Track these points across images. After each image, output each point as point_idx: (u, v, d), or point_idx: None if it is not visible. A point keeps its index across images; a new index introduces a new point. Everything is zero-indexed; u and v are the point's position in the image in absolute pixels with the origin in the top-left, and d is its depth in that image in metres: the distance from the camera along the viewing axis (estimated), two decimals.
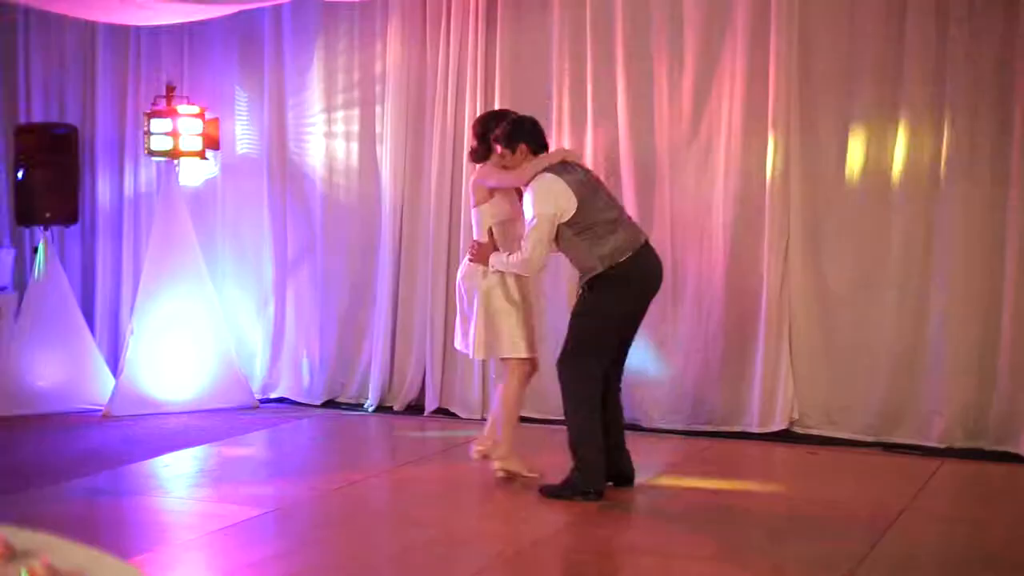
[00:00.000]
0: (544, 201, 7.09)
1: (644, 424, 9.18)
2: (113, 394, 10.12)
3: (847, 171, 8.87)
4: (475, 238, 7.56)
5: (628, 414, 9.07)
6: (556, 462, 7.40)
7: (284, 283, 10.80)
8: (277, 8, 10.53)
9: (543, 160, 7.28)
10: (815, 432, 8.97)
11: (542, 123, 9.32)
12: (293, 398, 10.71)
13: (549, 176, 7.16)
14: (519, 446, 7.60)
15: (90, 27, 11.13)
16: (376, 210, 10.35)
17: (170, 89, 10.40)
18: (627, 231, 7.25)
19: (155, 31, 10.95)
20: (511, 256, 7.23)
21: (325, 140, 10.61)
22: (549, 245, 7.16)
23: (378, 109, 10.38)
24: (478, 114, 9.52)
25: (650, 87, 9.30)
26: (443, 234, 10.04)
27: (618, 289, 7.14)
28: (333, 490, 7.57)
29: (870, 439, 8.76)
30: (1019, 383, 8.38)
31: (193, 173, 10.82)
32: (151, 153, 10.36)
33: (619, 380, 7.54)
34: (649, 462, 7.94)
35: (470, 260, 7.47)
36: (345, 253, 10.56)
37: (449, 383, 10.08)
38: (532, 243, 7.10)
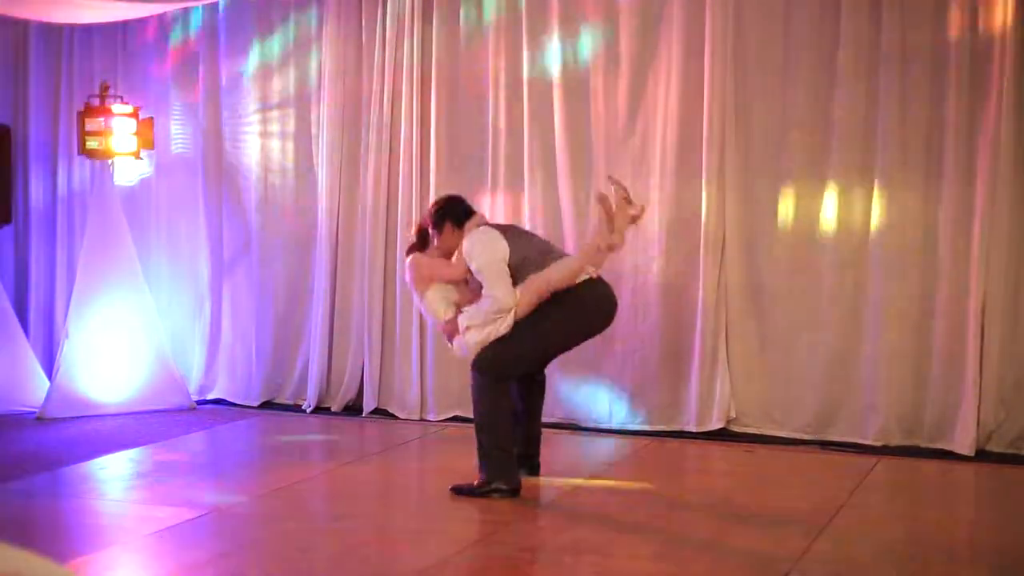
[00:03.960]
0: (484, 250, 7.19)
1: (582, 423, 9.19)
2: (48, 396, 10.01)
3: (783, 168, 8.93)
4: (434, 325, 7.74)
5: (566, 413, 9.16)
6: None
7: (220, 283, 10.73)
8: (212, 6, 10.47)
9: (451, 266, 7.40)
10: (753, 431, 9.02)
11: (478, 123, 9.39)
12: (230, 399, 10.64)
13: (476, 231, 7.31)
14: None
15: (22, 25, 11.01)
16: (312, 210, 10.31)
17: (104, 88, 10.30)
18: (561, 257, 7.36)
19: (88, 30, 10.85)
20: (479, 307, 7.20)
21: (260, 140, 10.55)
22: (509, 280, 7.16)
23: (314, 108, 10.34)
24: (414, 112, 9.59)
25: (587, 89, 9.32)
26: (380, 233, 10.00)
27: (566, 309, 7.19)
28: (270, 492, 7.54)
29: (807, 437, 8.83)
30: (952, 382, 8.47)
31: (127, 173, 10.72)
32: (85, 153, 10.24)
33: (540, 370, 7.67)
34: (587, 461, 7.96)
35: (447, 339, 7.54)
36: (281, 253, 10.51)
37: (387, 383, 10.05)
38: (492, 284, 7.12)
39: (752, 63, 8.98)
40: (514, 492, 7.14)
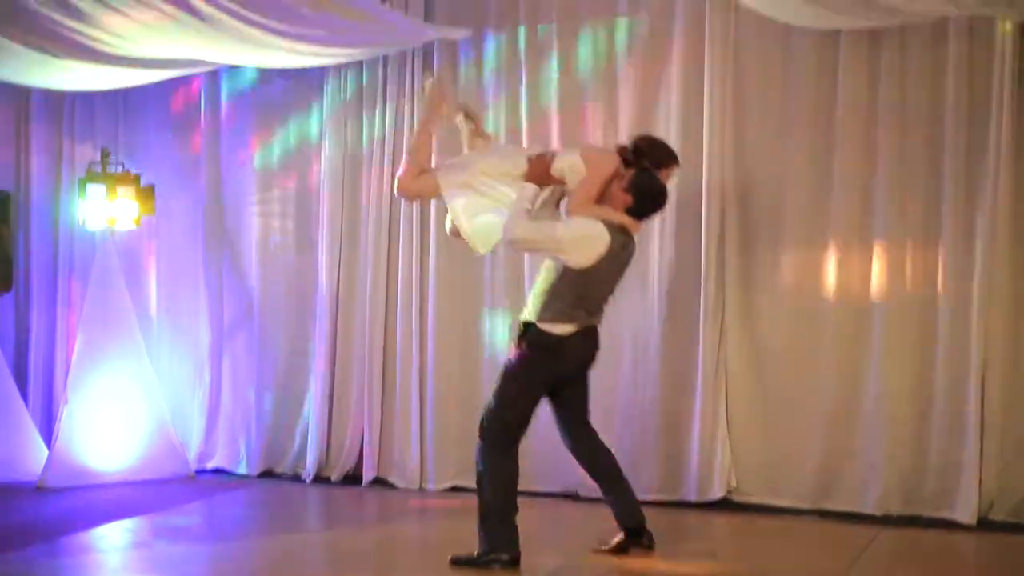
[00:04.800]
0: (575, 235, 6.97)
1: (581, 493, 9.13)
2: (47, 465, 9.97)
3: (782, 232, 8.95)
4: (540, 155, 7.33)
5: (564, 483, 9.10)
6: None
7: (220, 351, 10.73)
8: (213, 74, 10.52)
9: (609, 214, 7.04)
10: (754, 500, 8.97)
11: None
12: (230, 468, 10.62)
13: (603, 230, 6.97)
14: None
15: (24, 92, 11.05)
16: (312, 277, 10.32)
17: (105, 154, 10.33)
18: (589, 319, 7.14)
19: (90, 96, 10.89)
20: (519, 210, 7.02)
21: (261, 207, 10.57)
22: (531, 247, 7.28)
23: (314, 176, 10.38)
24: None
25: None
26: (380, 300, 10.02)
27: (544, 355, 7.06)
28: (268, 563, 7.51)
29: (808, 506, 8.78)
30: (953, 449, 8.41)
31: (128, 240, 10.74)
32: (86, 220, 10.27)
33: (585, 414, 7.50)
34: (587, 533, 7.90)
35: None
36: (281, 321, 10.51)
37: (387, 453, 10.01)
38: (527, 227, 6.99)
39: (750, 127, 8.99)
40: (514, 562, 7.03)
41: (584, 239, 6.94)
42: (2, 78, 9.78)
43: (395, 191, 7.79)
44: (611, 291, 7.25)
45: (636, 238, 7.27)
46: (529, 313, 7.08)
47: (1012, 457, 8.39)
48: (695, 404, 9.01)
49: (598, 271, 6.99)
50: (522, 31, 9.64)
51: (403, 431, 9.89)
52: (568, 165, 7.16)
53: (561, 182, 7.21)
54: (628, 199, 7.06)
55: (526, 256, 9.41)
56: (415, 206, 9.80)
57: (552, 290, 6.99)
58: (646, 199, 7.14)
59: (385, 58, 9.98)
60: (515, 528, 7.12)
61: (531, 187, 7.11)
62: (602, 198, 7.10)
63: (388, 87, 10.03)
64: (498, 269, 9.67)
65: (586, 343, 7.19)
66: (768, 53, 8.96)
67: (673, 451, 9.10)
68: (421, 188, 7.50)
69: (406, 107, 9.94)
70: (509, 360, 7.18)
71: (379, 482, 9.97)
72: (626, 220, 7.06)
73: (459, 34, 9.43)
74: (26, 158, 11.37)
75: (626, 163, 7.21)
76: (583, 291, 7.01)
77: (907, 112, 8.58)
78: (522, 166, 7.24)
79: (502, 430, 7.12)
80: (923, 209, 8.57)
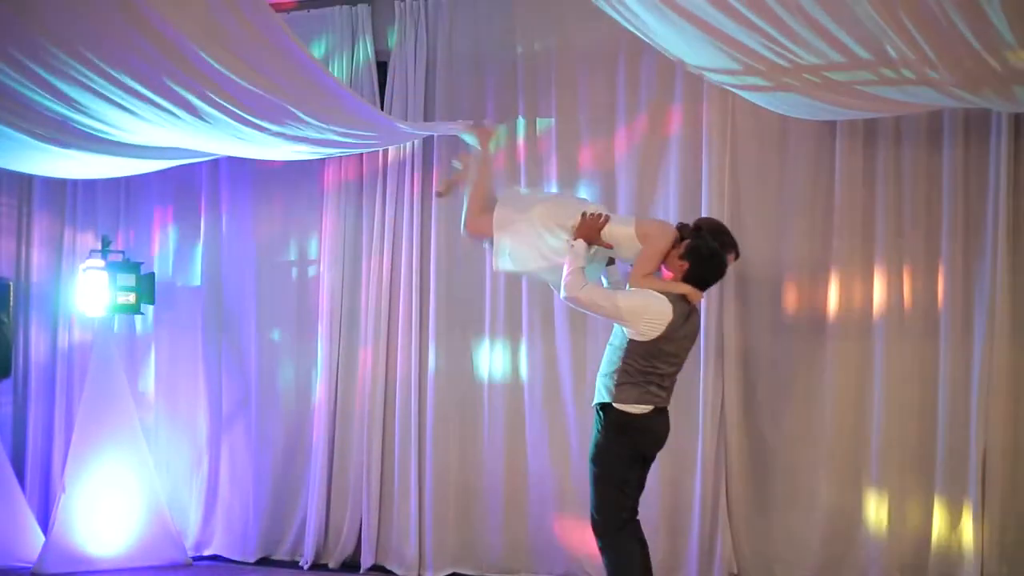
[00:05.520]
0: (635, 306, 6.94)
1: None
2: (43, 551, 9.91)
3: (782, 324, 8.96)
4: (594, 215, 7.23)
5: (566, 567, 9.05)
6: None
7: (219, 437, 10.71)
8: (213, 162, 10.58)
9: (670, 286, 7.02)
10: None
11: (476, 277, 9.40)
12: (227, 555, 10.55)
13: (664, 300, 6.93)
14: None
15: (26, 179, 11.12)
16: (311, 364, 10.33)
17: (105, 243, 10.38)
18: (658, 390, 7.05)
19: (91, 183, 10.96)
20: (576, 268, 7.01)
21: (260, 293, 10.60)
22: (589, 309, 7.06)
23: (313, 263, 10.43)
24: (413, 270, 9.63)
25: None
26: (379, 387, 10.01)
27: (614, 433, 7.01)
28: None
29: None
30: (954, 536, 8.39)
31: (127, 326, 10.74)
32: (85, 308, 10.29)
33: (637, 503, 7.33)
34: None
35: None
36: (280, 407, 10.50)
37: (385, 539, 9.96)
38: (591, 289, 6.99)
39: (748, 211, 9.04)
40: None
41: (645, 309, 6.89)
42: (4, 166, 9.86)
43: (462, 231, 7.79)
44: (679, 365, 7.18)
45: (699, 308, 7.27)
46: (602, 395, 7.03)
47: (1012, 546, 8.34)
48: (695, 490, 8.99)
49: (664, 343, 6.94)
50: (521, 123, 9.72)
51: (401, 518, 9.84)
52: (622, 235, 7.18)
53: (608, 246, 7.23)
54: (685, 265, 7.05)
55: (523, 348, 9.46)
56: (415, 294, 9.89)
57: (621, 368, 6.95)
58: (704, 265, 7.11)
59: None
60: None
61: (582, 244, 7.09)
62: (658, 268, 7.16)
63: (388, 174, 10.08)
64: (497, 353, 9.68)
65: (660, 422, 7.14)
66: (765, 145, 9.03)
67: (673, 536, 9.05)
68: (481, 228, 7.54)
69: (405, 193, 10.00)
70: (595, 449, 7.10)
71: (377, 568, 9.90)
72: (685, 288, 7.03)
73: (458, 128, 9.50)
74: (27, 246, 11.43)
75: (682, 237, 7.22)
76: (650, 366, 6.95)
77: (903, 202, 8.66)
78: (576, 219, 7.25)
79: (608, 519, 7.04)
80: (922, 297, 8.60)
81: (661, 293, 6.96)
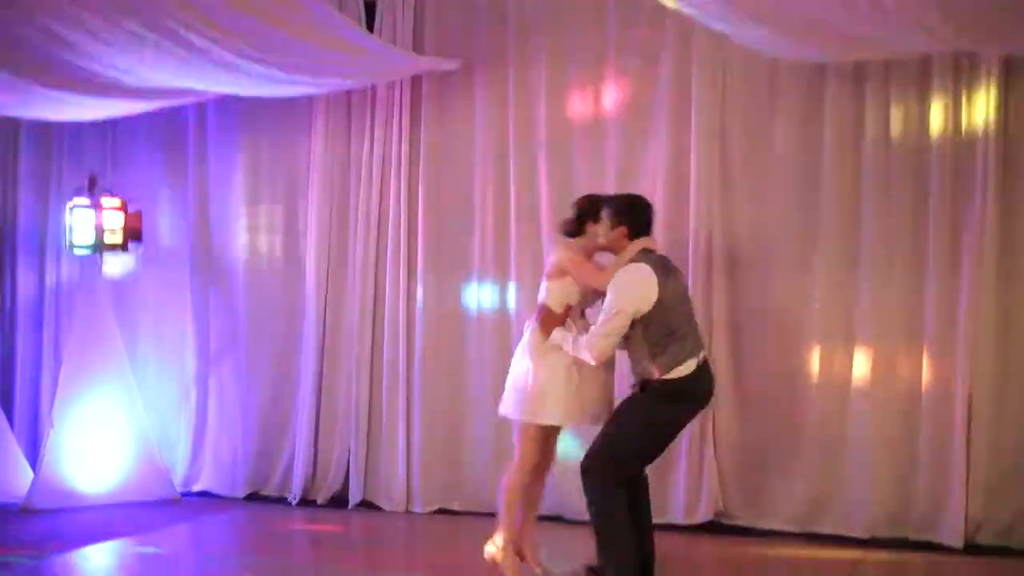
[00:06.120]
0: (627, 296, 6.78)
1: (567, 515, 9.10)
2: (32, 487, 9.94)
3: (770, 257, 8.98)
4: (543, 302, 7.15)
5: (553, 505, 9.06)
6: None
7: (206, 375, 10.72)
8: (201, 101, 10.52)
9: (623, 259, 6.94)
10: (741, 523, 8.96)
11: (464, 216, 9.38)
12: (215, 491, 10.59)
13: (640, 267, 6.84)
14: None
15: (13, 121, 11.06)
16: (299, 301, 10.33)
17: (92, 181, 10.33)
18: (691, 341, 6.95)
19: (78, 125, 10.91)
20: (577, 341, 6.92)
21: (248, 232, 10.59)
22: (618, 339, 6.85)
23: (302, 201, 10.40)
24: (401, 207, 9.62)
25: (569, 184, 9.32)
26: (367, 324, 10.03)
27: (669, 403, 6.89)
28: None
29: (795, 529, 8.78)
30: (939, 473, 8.44)
31: (115, 265, 10.74)
32: (73, 246, 10.27)
33: (646, 479, 7.26)
34: (573, 555, 7.87)
35: (536, 323, 7.11)
36: (268, 344, 10.51)
37: (373, 475, 10.00)
38: (602, 334, 6.81)
39: (737, 160, 9.05)
40: None
41: (629, 287, 6.81)
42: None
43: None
44: (689, 311, 7.09)
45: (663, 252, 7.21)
46: (642, 376, 6.92)
47: (998, 481, 8.39)
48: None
49: (663, 300, 6.83)
50: (511, 72, 9.68)
51: (390, 455, 9.87)
52: (559, 291, 7.11)
53: (569, 306, 7.14)
54: (623, 228, 7.01)
55: (512, 283, 9.48)
56: (403, 222, 9.93)
57: (647, 348, 6.83)
58: (633, 213, 7.08)
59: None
60: (636, 571, 6.96)
61: (556, 334, 6.99)
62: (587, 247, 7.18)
63: (376, 112, 10.06)
64: (486, 292, 9.70)
65: (705, 379, 7.06)
66: (754, 75, 9.03)
67: (660, 473, 9.02)
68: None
69: (394, 131, 9.97)
70: (636, 411, 6.97)
71: (365, 504, 9.95)
72: (636, 246, 6.97)
73: (448, 65, 9.46)
74: (14, 185, 11.38)
75: (571, 234, 7.23)
76: (664, 326, 6.84)
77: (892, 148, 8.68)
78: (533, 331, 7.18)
79: (614, 474, 6.88)
80: (910, 240, 8.62)
81: (624, 268, 6.89)
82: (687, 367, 6.82)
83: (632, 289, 6.79)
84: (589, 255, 7.22)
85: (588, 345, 6.85)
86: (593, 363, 6.92)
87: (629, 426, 6.89)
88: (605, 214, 7.07)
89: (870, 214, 8.68)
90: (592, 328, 6.92)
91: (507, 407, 7.16)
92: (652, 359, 6.80)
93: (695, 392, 6.97)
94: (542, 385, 6.99)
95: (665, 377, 6.79)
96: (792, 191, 8.92)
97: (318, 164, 10.27)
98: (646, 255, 6.92)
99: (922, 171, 8.56)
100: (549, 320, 7.03)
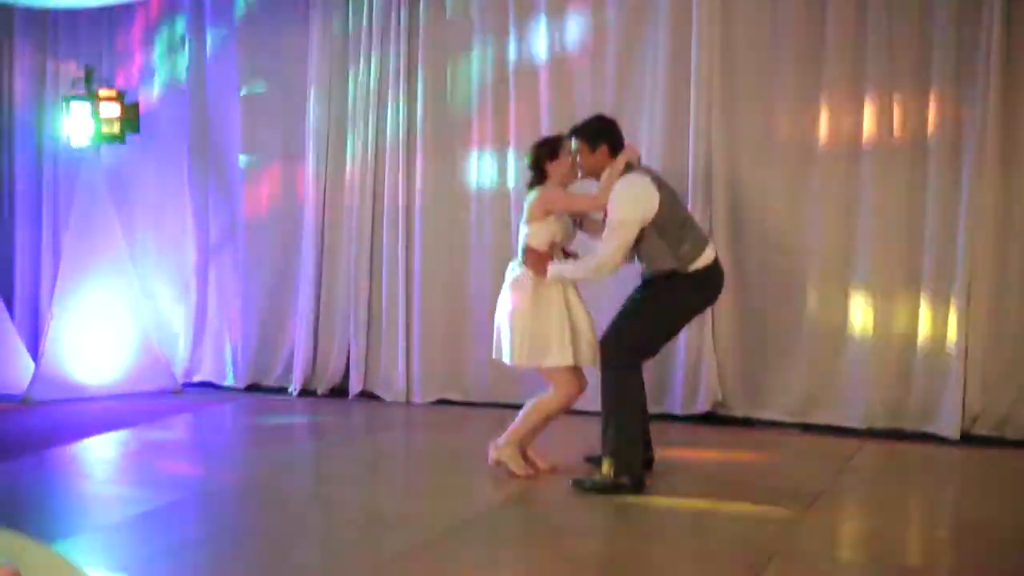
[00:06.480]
0: (632, 205, 6.85)
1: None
2: (33, 378, 10.01)
3: (770, 154, 8.93)
4: (529, 245, 7.14)
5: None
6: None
7: (206, 267, 10.74)
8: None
9: (614, 175, 6.97)
10: (738, 414, 9.02)
11: (464, 137, 9.30)
12: (216, 382, 10.68)
13: (634, 176, 6.94)
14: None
15: (6, 10, 10.97)
16: (299, 193, 10.32)
17: (89, 72, 10.26)
18: (698, 232, 7.12)
19: (74, 14, 10.82)
20: (578, 263, 7.06)
21: (248, 124, 10.55)
22: (627, 250, 6.94)
23: (300, 90, 10.34)
24: (400, 103, 9.55)
25: (571, 97, 9.32)
26: (367, 215, 10.04)
27: (696, 291, 7.10)
28: (255, 474, 7.55)
29: (793, 420, 8.84)
30: (937, 366, 8.47)
31: (113, 157, 10.69)
32: (70, 137, 10.21)
33: None
34: (574, 444, 7.92)
35: (526, 267, 7.11)
36: (268, 236, 10.52)
37: (373, 366, 10.06)
38: (613, 248, 6.86)
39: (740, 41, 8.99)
40: (638, 487, 6.93)
41: (631, 196, 6.88)
42: None
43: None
44: (686, 208, 7.32)
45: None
46: (663, 268, 6.99)
47: (995, 374, 8.42)
48: None
49: (664, 200, 6.91)
50: None
51: (389, 345, 9.92)
52: (543, 231, 7.09)
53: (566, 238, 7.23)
54: (604, 149, 7.06)
55: (511, 177, 9.46)
56: (402, 117, 9.88)
57: (664, 247, 6.91)
58: (608, 133, 7.12)
59: None
60: (640, 452, 7.10)
61: (553, 268, 7.01)
62: (585, 175, 7.19)
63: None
64: (485, 183, 9.69)
65: (720, 272, 7.18)
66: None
67: (658, 364, 9.05)
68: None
69: (392, 20, 9.90)
70: (660, 298, 7.09)
71: (366, 395, 10.04)
72: (619, 163, 7.01)
73: None
74: (9, 77, 11.32)
75: (537, 181, 7.18)
76: (675, 223, 6.94)
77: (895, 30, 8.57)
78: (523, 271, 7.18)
79: (632, 356, 7.02)
80: (910, 129, 8.56)
81: (616, 183, 6.93)
82: (707, 257, 7.02)
83: (635, 198, 6.87)
84: (596, 176, 7.17)
85: (597, 262, 6.94)
86: (597, 278, 7.10)
87: (656, 313, 7.09)
88: (576, 143, 7.12)
89: (871, 101, 8.64)
90: (600, 245, 6.97)
91: (519, 357, 7.11)
92: (675, 253, 6.93)
93: (716, 281, 7.16)
94: (543, 327, 7.06)
95: (690, 268, 6.96)
96: (793, 101, 8.88)
97: (316, 51, 10.22)
98: (632, 167, 7.02)
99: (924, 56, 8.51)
100: (539, 260, 7.07)
